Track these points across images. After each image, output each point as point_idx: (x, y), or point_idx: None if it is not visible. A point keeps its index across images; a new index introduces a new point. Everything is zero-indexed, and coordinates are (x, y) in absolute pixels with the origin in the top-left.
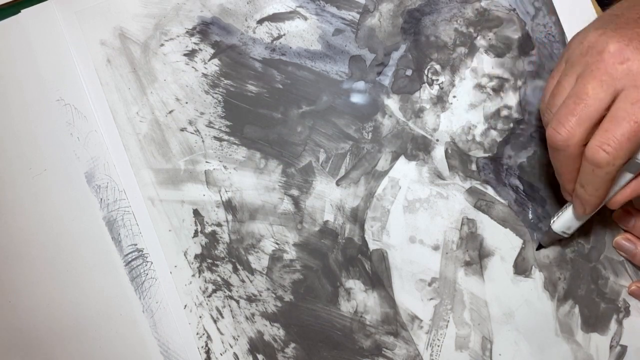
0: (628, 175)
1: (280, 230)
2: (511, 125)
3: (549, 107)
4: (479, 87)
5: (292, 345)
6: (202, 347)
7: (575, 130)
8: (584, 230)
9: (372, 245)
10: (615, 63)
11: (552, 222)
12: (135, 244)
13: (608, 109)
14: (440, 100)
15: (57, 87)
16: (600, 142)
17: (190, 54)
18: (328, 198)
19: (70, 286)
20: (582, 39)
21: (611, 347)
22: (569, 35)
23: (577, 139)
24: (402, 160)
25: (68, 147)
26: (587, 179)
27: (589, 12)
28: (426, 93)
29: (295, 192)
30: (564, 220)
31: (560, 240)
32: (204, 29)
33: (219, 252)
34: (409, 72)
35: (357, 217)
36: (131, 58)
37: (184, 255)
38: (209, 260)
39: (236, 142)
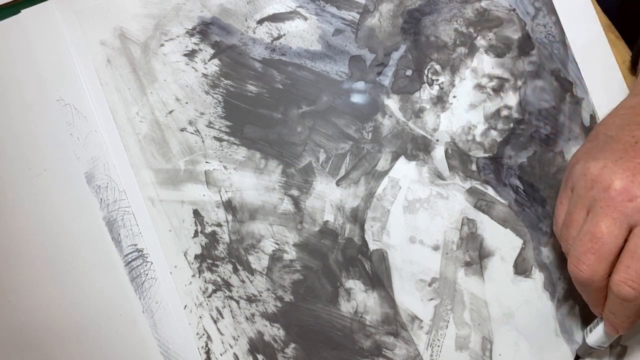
0: None
1: (280, 230)
2: (511, 125)
3: (565, 238)
4: (479, 87)
5: (292, 345)
6: (202, 347)
7: (597, 267)
8: None
9: (372, 246)
10: (625, 201)
11: (585, 335)
12: (135, 244)
13: (625, 240)
14: (440, 101)
15: (57, 87)
16: (624, 278)
17: (190, 54)
18: (328, 198)
19: (70, 286)
20: (585, 171)
21: (611, 347)
22: (569, 35)
23: (599, 275)
24: (402, 160)
25: (68, 147)
26: (616, 309)
27: (589, 12)
28: (426, 93)
29: (295, 192)
30: (598, 336)
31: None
32: (204, 29)
33: (219, 253)
34: (409, 72)
35: (357, 217)
36: (131, 58)
37: (184, 255)
38: (209, 261)
39: (236, 142)
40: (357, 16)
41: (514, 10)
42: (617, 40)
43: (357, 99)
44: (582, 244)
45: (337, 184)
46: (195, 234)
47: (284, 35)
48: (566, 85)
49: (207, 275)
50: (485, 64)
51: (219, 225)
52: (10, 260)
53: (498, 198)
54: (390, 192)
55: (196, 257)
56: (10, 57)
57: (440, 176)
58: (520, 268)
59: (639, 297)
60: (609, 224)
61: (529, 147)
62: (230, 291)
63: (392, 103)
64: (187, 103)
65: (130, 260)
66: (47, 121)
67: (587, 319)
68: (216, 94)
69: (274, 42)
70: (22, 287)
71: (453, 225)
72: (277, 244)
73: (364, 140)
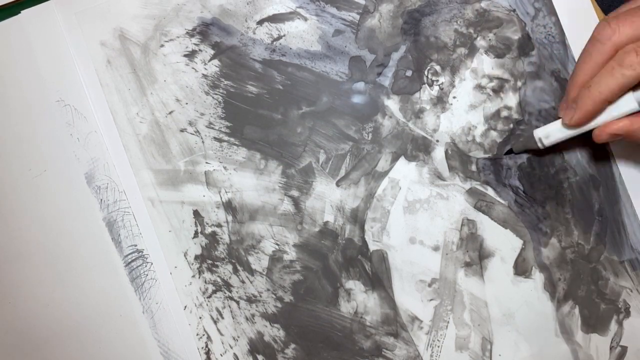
0: (630, 105)
1: (280, 231)
2: (511, 126)
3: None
4: (479, 87)
5: (292, 346)
6: (202, 347)
7: (625, 31)
8: (582, 229)
9: (372, 246)
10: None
11: (535, 127)
12: (135, 245)
13: None
14: (440, 101)
15: (57, 87)
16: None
17: (190, 55)
18: (328, 199)
19: (70, 287)
20: None
21: (611, 348)
22: (569, 36)
23: (621, 38)
24: (402, 161)
25: (68, 148)
26: (599, 79)
27: (589, 12)
28: (426, 94)
29: (295, 192)
30: (548, 129)
31: (530, 153)
32: (204, 30)
33: (219, 253)
34: (408, 73)
35: (357, 218)
36: (131, 59)
37: (184, 256)
38: (209, 261)
39: (236, 142)
40: (357, 17)
41: (514, 10)
42: None
43: (357, 99)
44: (627, 10)
45: (337, 184)
46: (195, 235)
47: (284, 35)
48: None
49: (207, 275)
50: (485, 64)
51: (219, 225)
52: (11, 261)
53: (498, 199)
54: (390, 192)
55: (196, 257)
56: (10, 57)
57: (440, 177)
58: (520, 269)
59: (632, 68)
60: None
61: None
62: (230, 292)
63: (392, 104)
64: (187, 104)
65: (130, 260)
66: (47, 122)
67: (587, 319)
68: (216, 94)
69: (274, 42)
70: (22, 287)
71: (453, 225)
72: (277, 244)
73: (364, 141)
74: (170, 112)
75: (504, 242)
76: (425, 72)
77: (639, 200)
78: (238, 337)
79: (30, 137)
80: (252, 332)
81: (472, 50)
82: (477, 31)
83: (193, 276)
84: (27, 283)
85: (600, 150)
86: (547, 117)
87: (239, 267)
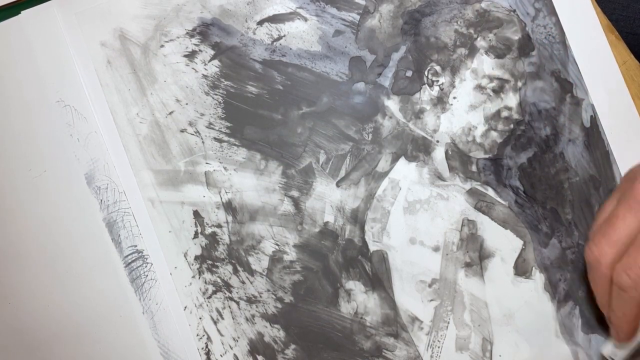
0: None
1: (280, 231)
2: (511, 126)
3: (593, 228)
4: (479, 88)
5: (293, 346)
6: (202, 348)
7: (606, 250)
8: (583, 229)
9: (373, 247)
10: None
11: (602, 344)
12: (135, 245)
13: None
14: (441, 102)
15: (57, 88)
16: (624, 265)
17: (191, 55)
18: (328, 199)
19: (70, 287)
20: (635, 168)
21: None
22: (569, 36)
23: (607, 259)
24: (402, 161)
25: (68, 148)
26: (615, 302)
27: (589, 13)
28: (426, 94)
29: (295, 193)
30: (610, 346)
31: None
32: (204, 30)
33: (219, 254)
34: (409, 73)
35: (357, 219)
36: (131, 59)
37: (184, 256)
38: (209, 262)
39: (236, 143)
40: (357, 17)
41: (514, 11)
42: (617, 41)
43: (357, 100)
44: (600, 228)
45: (337, 185)
46: (195, 235)
47: (284, 36)
48: (566, 86)
49: (207, 276)
50: (485, 65)
51: (219, 226)
52: (10, 261)
53: (498, 199)
54: (391, 193)
55: (196, 258)
56: (10, 58)
57: (440, 177)
58: (521, 269)
59: (633, 288)
60: (625, 211)
61: (529, 148)
62: (231, 292)
63: (392, 104)
64: (187, 104)
65: (130, 261)
66: (47, 122)
67: (587, 320)
68: (216, 95)
69: (274, 43)
70: (21, 288)
71: (453, 226)
72: (277, 245)
73: (364, 141)
74: (171, 113)
75: (504, 243)
76: (426, 73)
77: None
78: (238, 337)
79: (30, 137)
80: (252, 333)
81: (473, 51)
82: (478, 31)
83: (193, 277)
84: (27, 283)
85: (600, 151)
86: (547, 117)
87: (239, 268)
